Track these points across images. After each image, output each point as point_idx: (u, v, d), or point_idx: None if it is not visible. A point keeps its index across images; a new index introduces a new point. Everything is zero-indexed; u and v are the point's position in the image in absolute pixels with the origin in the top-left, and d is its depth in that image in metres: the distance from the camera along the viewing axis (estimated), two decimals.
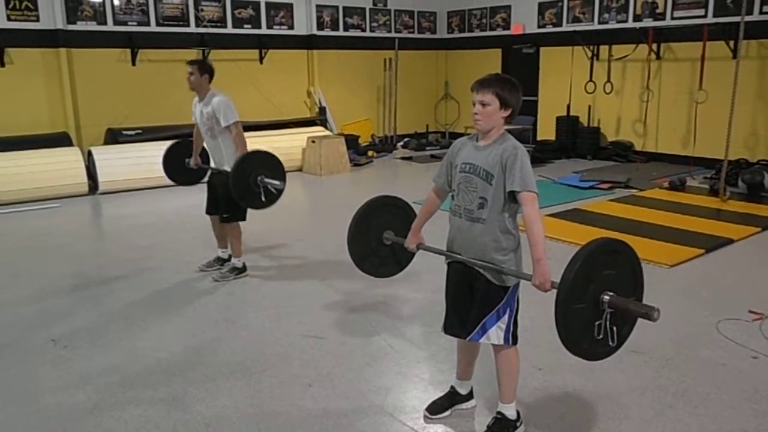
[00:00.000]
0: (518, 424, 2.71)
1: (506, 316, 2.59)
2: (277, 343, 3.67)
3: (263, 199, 4.44)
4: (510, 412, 2.69)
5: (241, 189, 4.35)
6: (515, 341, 2.64)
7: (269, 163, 4.50)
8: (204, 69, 4.56)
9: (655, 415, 2.88)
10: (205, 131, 4.63)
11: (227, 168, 4.52)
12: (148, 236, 6.00)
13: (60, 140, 8.41)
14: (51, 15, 8.45)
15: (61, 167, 7.76)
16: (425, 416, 2.87)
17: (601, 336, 2.28)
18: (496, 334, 2.58)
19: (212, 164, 4.80)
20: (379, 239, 3.03)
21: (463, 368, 2.90)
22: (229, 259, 4.90)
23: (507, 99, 2.48)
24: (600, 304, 2.25)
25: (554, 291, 2.26)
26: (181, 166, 5.02)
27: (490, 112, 2.48)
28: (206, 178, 4.94)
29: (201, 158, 4.98)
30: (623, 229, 5.88)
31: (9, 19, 8.22)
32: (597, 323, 2.27)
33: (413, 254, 3.03)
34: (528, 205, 2.42)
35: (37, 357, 3.50)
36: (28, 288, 4.61)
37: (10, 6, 8.20)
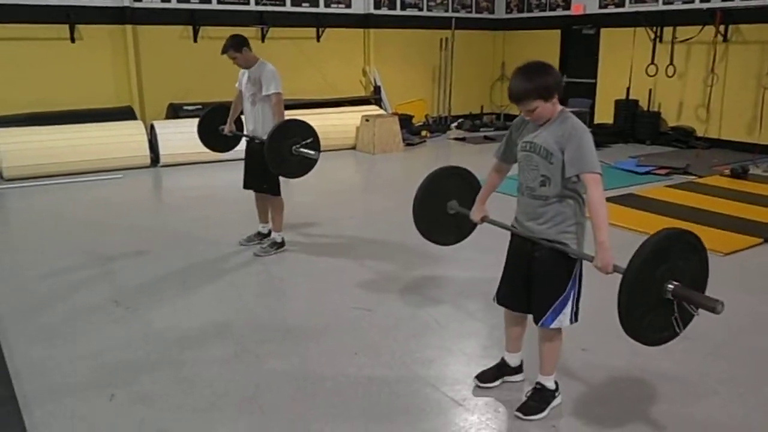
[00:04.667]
0: (556, 394, 2.77)
1: (571, 300, 2.61)
2: (326, 313, 3.79)
3: (297, 167, 4.50)
4: (549, 383, 2.75)
5: (275, 156, 4.38)
6: (577, 319, 2.65)
7: (304, 132, 4.50)
8: (239, 45, 4.58)
9: (698, 400, 2.87)
10: (247, 97, 4.71)
11: (263, 136, 4.54)
12: (204, 208, 6.22)
13: (124, 114, 8.73)
14: None
15: (124, 140, 8.07)
16: (476, 384, 2.95)
17: (662, 324, 2.30)
18: (566, 316, 2.61)
19: (247, 131, 4.82)
20: (443, 208, 3.08)
21: (512, 342, 2.94)
22: (268, 234, 5.00)
23: (547, 91, 2.43)
24: (664, 292, 2.26)
25: (615, 275, 2.28)
26: (215, 132, 5.11)
27: (540, 112, 2.46)
28: (242, 147, 4.99)
29: (236, 126, 5.02)
30: (678, 215, 5.76)
31: None
32: (658, 311, 2.27)
33: (476, 225, 3.05)
34: (591, 186, 2.39)
35: (101, 316, 3.73)
36: (92, 253, 4.87)
37: None
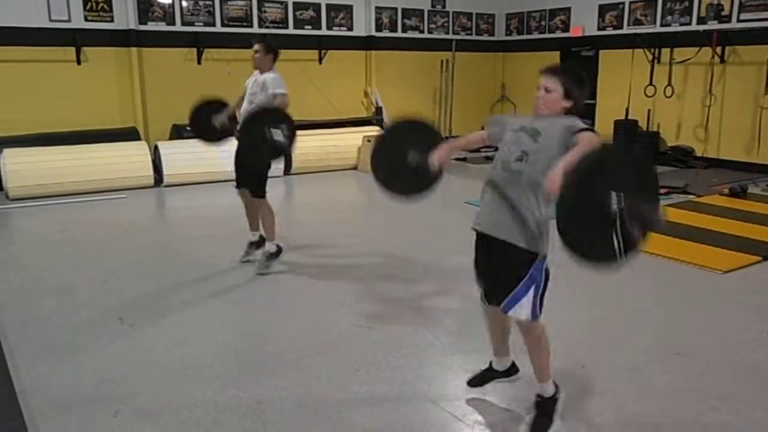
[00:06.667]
0: (557, 396, 2.76)
1: (532, 291, 2.56)
2: (327, 330, 3.82)
3: (270, 151, 4.53)
4: (548, 390, 2.74)
5: (250, 139, 4.46)
6: (540, 314, 2.61)
7: (280, 119, 4.53)
8: (269, 49, 4.79)
9: (696, 416, 2.89)
10: (248, 95, 4.82)
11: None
12: (206, 227, 6.28)
13: (129, 135, 8.85)
14: (124, 16, 8.91)
15: (129, 160, 8.16)
16: (466, 387, 3.02)
17: (610, 241, 2.21)
18: (525, 307, 2.55)
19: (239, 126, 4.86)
20: (403, 159, 2.99)
21: (496, 344, 2.97)
22: (260, 242, 4.98)
23: (571, 90, 2.52)
24: (608, 207, 2.18)
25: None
26: (207, 124, 5.15)
27: (553, 99, 2.53)
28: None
29: (229, 122, 5.06)
30: (678, 234, 5.81)
31: (86, 19, 8.71)
32: (605, 228, 2.19)
33: (437, 177, 2.96)
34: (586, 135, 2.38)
35: (105, 333, 3.77)
36: (96, 271, 4.92)
37: (88, 7, 8.69)
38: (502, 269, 2.62)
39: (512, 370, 3.02)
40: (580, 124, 2.48)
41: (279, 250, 4.91)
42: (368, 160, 9.98)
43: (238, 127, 4.57)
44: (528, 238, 2.52)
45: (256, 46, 4.78)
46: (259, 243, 5.03)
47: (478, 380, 3.02)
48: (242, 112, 4.87)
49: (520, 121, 2.66)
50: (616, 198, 2.18)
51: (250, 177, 4.83)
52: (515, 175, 2.52)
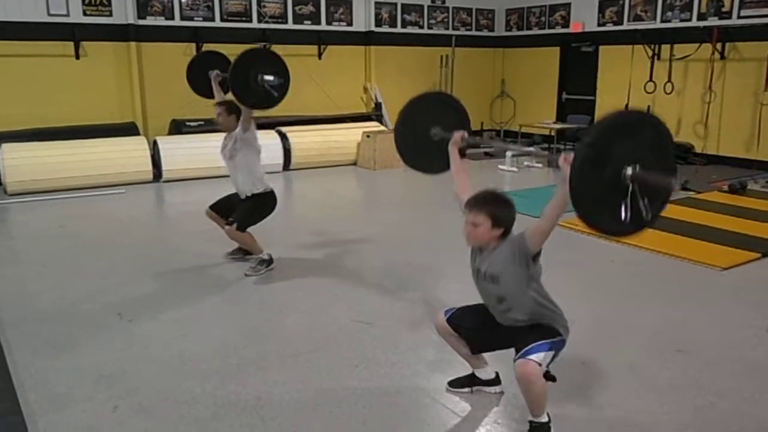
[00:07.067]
0: (550, 424, 2.64)
1: (547, 347, 2.53)
2: (326, 326, 3.82)
3: (261, 97, 4.50)
4: (541, 420, 2.63)
5: (239, 84, 4.42)
6: (547, 370, 2.58)
7: (272, 64, 4.54)
8: (231, 110, 4.71)
9: (695, 412, 2.89)
10: (225, 153, 4.77)
11: (244, 190, 4.70)
12: (205, 223, 6.22)
13: (128, 130, 8.83)
14: (123, 10, 8.87)
15: (128, 155, 8.15)
16: (446, 388, 3.05)
17: (628, 213, 2.17)
18: (539, 356, 2.50)
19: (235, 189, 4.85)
20: (426, 134, 3.02)
21: (469, 359, 2.97)
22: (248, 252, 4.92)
23: (500, 218, 2.51)
24: (623, 178, 2.14)
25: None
26: (204, 77, 5.14)
27: (482, 232, 2.53)
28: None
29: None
30: (677, 231, 5.81)
31: (85, 14, 8.68)
32: (621, 198, 2.14)
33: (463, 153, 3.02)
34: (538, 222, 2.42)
35: (104, 329, 3.76)
36: (95, 266, 4.91)
37: (86, 2, 8.66)
38: (520, 333, 2.61)
39: (495, 381, 3.01)
40: (516, 235, 2.53)
41: (271, 260, 4.82)
42: (367, 155, 9.89)
43: (229, 70, 4.50)
44: (548, 321, 2.61)
45: (218, 109, 4.73)
46: (250, 252, 4.93)
47: (458, 383, 3.05)
48: (230, 172, 4.81)
49: (474, 256, 2.67)
50: (630, 168, 2.13)
51: (242, 210, 4.74)
52: (506, 310, 2.62)
